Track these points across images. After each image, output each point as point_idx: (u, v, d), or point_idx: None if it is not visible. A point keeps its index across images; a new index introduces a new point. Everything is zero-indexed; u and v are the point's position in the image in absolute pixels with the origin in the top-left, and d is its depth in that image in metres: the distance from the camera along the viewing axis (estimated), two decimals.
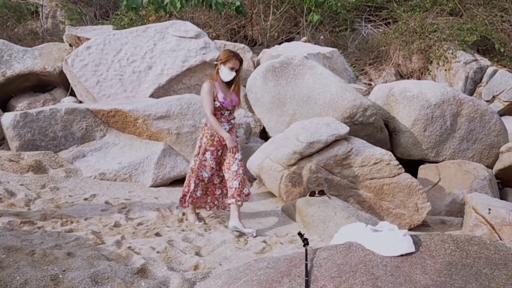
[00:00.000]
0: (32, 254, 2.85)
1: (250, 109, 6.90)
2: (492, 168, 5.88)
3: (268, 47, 9.64)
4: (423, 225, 4.76)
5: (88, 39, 7.48)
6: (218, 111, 3.91)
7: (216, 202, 4.22)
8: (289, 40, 10.46)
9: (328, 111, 5.67)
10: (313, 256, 2.53)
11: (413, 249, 2.50)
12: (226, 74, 3.92)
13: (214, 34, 10.02)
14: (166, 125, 5.48)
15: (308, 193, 4.37)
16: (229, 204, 3.93)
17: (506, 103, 9.73)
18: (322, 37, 10.65)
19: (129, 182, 5.21)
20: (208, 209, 4.25)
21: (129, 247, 3.19)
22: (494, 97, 9.97)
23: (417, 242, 2.56)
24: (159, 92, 6.70)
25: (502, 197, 5.69)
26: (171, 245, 3.31)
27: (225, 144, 3.99)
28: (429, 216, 4.84)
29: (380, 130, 5.85)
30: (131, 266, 2.86)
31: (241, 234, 3.71)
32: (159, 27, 7.45)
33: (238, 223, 3.79)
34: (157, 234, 3.60)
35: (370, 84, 10.08)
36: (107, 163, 5.32)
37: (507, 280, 2.28)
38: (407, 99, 5.92)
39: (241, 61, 3.96)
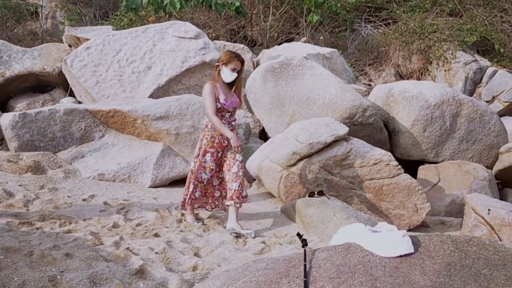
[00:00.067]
0: (30, 255, 2.84)
1: (249, 109, 6.89)
2: (491, 169, 5.87)
3: (267, 47, 9.64)
4: (422, 226, 4.76)
5: (87, 39, 7.47)
6: (219, 113, 3.91)
7: (216, 203, 4.22)
8: (289, 40, 10.46)
9: (328, 112, 5.66)
10: (312, 257, 2.52)
11: (412, 250, 2.50)
12: (228, 75, 3.92)
13: (213, 34, 10.02)
14: (165, 125, 5.48)
15: (307, 194, 4.36)
16: (228, 205, 3.93)
17: (506, 104, 9.73)
18: (321, 37, 10.64)
19: (128, 183, 5.20)
20: (209, 209, 4.25)
21: (128, 248, 3.18)
22: (494, 97, 9.97)
23: (416, 243, 2.56)
24: (159, 93, 6.69)
25: (502, 197, 5.68)
26: (169, 246, 3.30)
27: (226, 146, 3.99)
28: (428, 216, 4.82)
29: (380, 130, 5.85)
30: (129, 267, 2.85)
31: (239, 236, 3.71)
32: (159, 28, 7.45)
33: (236, 224, 3.79)
34: (156, 235, 3.59)
35: (369, 85, 10.07)
36: (106, 164, 5.32)
37: (506, 280, 2.27)
38: (407, 99, 5.91)
39: (242, 62, 3.96)
